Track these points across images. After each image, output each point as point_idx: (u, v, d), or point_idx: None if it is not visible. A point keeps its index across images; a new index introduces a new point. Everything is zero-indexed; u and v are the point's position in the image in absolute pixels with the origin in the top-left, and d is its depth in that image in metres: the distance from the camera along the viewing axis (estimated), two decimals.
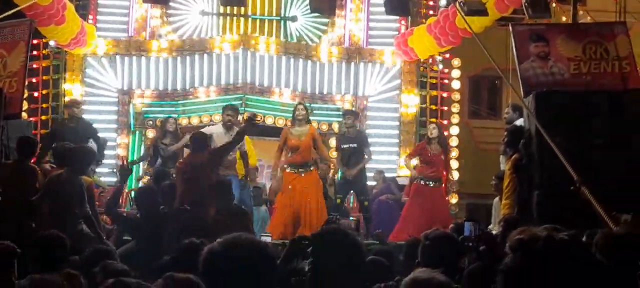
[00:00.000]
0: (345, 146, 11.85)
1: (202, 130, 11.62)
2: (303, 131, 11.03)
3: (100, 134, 12.34)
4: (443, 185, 12.12)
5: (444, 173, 12.18)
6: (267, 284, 2.27)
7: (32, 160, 9.41)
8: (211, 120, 13.93)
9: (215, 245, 2.30)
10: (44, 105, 13.99)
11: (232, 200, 9.18)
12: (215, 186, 9.03)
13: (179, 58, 14.24)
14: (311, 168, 11.11)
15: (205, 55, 14.17)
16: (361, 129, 12.89)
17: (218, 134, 11.22)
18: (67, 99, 13.57)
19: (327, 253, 3.12)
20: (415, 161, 12.11)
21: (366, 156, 11.93)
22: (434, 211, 11.40)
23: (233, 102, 13.96)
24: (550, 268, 1.57)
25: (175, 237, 7.94)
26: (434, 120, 14.16)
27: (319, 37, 14.98)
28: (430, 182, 11.71)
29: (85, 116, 12.69)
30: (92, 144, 11.64)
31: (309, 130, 11.08)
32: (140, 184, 13.49)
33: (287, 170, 11.21)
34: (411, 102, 14.61)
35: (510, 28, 10.01)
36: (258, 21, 14.83)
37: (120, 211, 9.87)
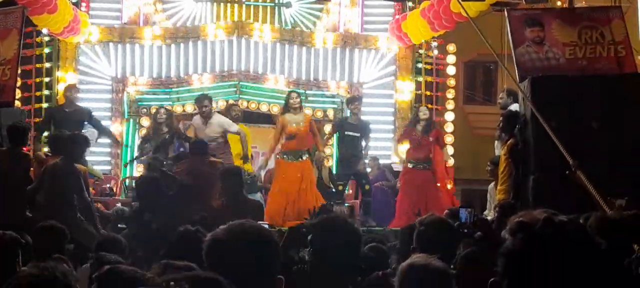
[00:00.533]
0: (349, 133, 11.84)
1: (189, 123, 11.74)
2: (300, 118, 11.02)
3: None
4: (433, 167, 11.94)
5: (434, 157, 12.01)
6: (272, 271, 2.23)
7: (24, 148, 9.37)
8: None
9: (219, 232, 2.27)
10: (38, 94, 13.91)
11: (242, 188, 9.03)
12: (221, 174, 8.92)
13: (172, 45, 14.18)
14: (305, 157, 11.08)
15: (199, 42, 14.11)
16: (364, 119, 12.78)
17: (198, 126, 11.27)
18: (64, 84, 13.47)
19: (327, 241, 3.12)
20: (406, 146, 12.09)
21: (364, 148, 12.02)
22: (423, 194, 11.33)
23: (227, 89, 13.97)
24: (551, 250, 1.56)
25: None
26: (433, 107, 14.11)
27: (314, 23, 14.92)
28: (420, 165, 11.63)
29: (79, 104, 12.61)
30: (88, 129, 11.67)
31: (305, 118, 11.06)
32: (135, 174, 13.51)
33: (282, 158, 11.21)
34: (406, 88, 14.57)
35: (506, 13, 9.99)
36: (252, 7, 14.76)
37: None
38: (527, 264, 1.57)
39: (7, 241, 4.98)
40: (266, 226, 9.08)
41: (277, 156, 11.42)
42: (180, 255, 3.90)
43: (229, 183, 8.67)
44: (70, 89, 12.37)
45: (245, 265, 2.19)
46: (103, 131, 12.29)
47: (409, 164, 11.74)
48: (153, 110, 13.27)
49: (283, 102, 11.79)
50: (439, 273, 3.26)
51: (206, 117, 11.16)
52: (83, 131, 11.25)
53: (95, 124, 12.11)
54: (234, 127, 11.50)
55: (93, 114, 12.28)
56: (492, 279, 1.64)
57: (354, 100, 12.30)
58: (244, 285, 2.18)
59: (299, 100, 11.16)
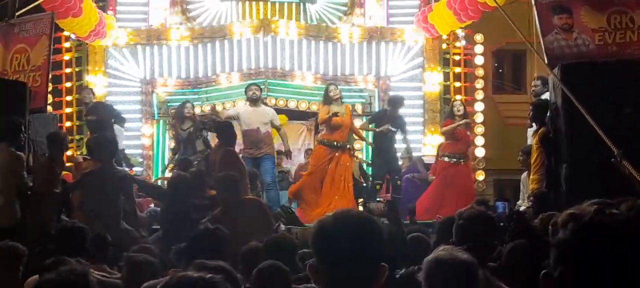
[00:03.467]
0: (387, 126, 11.87)
1: (228, 111, 11.79)
2: (343, 110, 11.18)
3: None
4: (468, 161, 11.96)
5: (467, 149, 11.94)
6: (376, 259, 2.27)
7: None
8: (234, 106, 13.99)
9: (325, 219, 2.33)
10: (68, 98, 14.05)
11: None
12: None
13: (199, 45, 14.24)
14: (346, 148, 11.20)
15: (226, 41, 14.15)
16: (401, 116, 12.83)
17: (246, 112, 11.39)
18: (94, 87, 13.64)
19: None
20: (440, 139, 12.05)
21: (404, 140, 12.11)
22: (462, 188, 11.28)
23: None
24: (601, 240, 1.56)
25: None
26: (462, 98, 14.01)
27: (339, 19, 14.91)
28: (456, 159, 11.58)
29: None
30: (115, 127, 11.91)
31: (347, 110, 11.22)
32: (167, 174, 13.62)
33: (323, 146, 11.32)
34: (434, 79, 14.52)
35: (533, 1, 9.90)
36: (277, 4, 14.78)
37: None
38: (577, 254, 1.58)
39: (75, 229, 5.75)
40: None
41: (322, 141, 11.52)
42: (200, 253, 3.94)
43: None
44: (82, 91, 12.55)
45: (351, 252, 2.23)
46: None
47: (445, 158, 11.65)
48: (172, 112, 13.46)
49: (312, 97, 11.99)
50: (465, 267, 3.25)
51: (254, 101, 11.33)
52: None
53: (117, 116, 12.35)
54: (278, 120, 11.73)
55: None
56: (544, 271, 1.64)
57: (398, 103, 12.26)
58: (349, 272, 2.23)
59: (339, 92, 11.34)
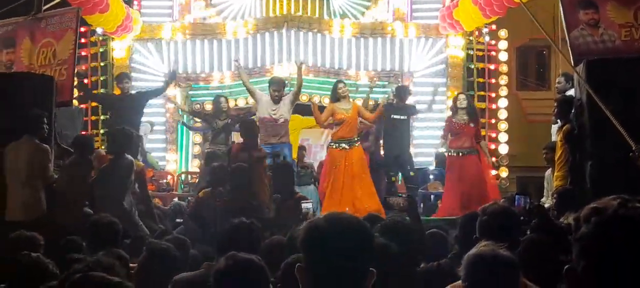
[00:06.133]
0: (396, 116, 11.85)
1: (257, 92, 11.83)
2: (348, 107, 11.13)
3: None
4: (479, 154, 11.63)
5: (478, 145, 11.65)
6: (366, 263, 2.22)
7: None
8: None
9: (318, 220, 2.28)
10: (94, 92, 14.14)
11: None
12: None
13: (224, 41, 14.23)
14: (356, 144, 11.16)
15: (250, 37, 14.10)
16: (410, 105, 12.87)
17: (267, 102, 11.43)
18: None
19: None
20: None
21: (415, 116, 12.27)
22: (470, 179, 11.04)
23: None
24: (625, 233, 1.56)
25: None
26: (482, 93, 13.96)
27: (362, 13, 14.87)
28: (461, 152, 11.24)
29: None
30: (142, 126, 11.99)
31: (353, 106, 11.18)
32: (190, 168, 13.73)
33: (332, 147, 11.28)
34: (458, 75, 14.45)
35: None
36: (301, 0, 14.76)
37: None
38: (600, 248, 1.58)
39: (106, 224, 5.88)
40: None
41: (330, 144, 11.52)
42: (233, 246, 3.95)
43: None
44: (120, 78, 12.49)
45: (341, 256, 2.19)
46: (161, 90, 12.45)
47: (452, 152, 11.45)
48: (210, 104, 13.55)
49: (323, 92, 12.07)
50: (508, 264, 3.21)
51: (275, 101, 11.41)
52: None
53: (152, 94, 12.30)
54: (293, 93, 11.74)
55: (143, 90, 12.65)
56: (567, 266, 1.65)
57: (404, 91, 12.30)
58: (338, 276, 2.19)
59: (347, 89, 11.29)
